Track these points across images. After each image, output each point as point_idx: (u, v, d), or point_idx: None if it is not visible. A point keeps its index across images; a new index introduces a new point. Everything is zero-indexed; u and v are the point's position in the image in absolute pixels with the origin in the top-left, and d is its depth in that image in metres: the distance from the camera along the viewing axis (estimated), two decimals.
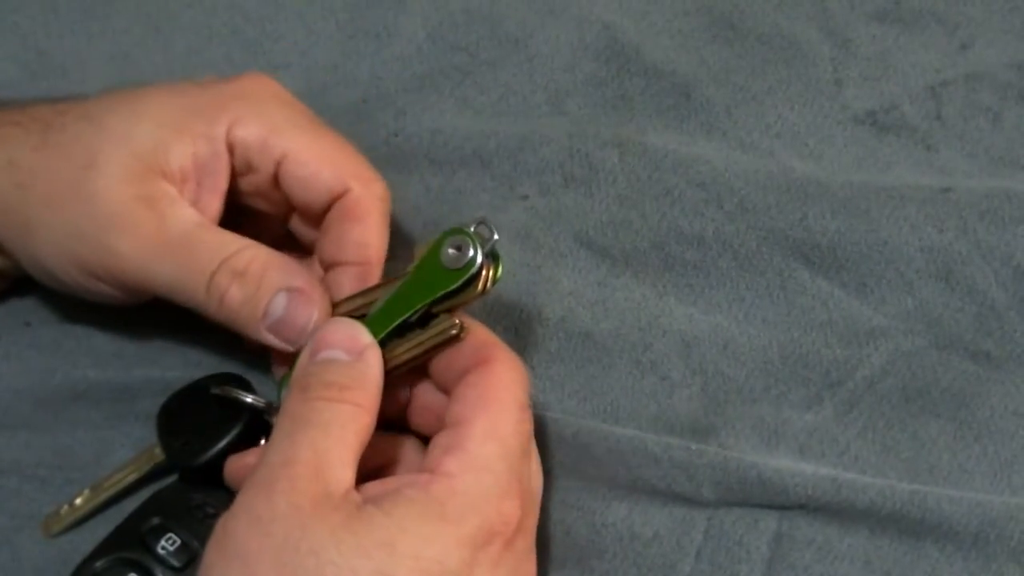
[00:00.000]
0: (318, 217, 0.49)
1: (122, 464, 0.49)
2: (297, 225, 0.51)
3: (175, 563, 0.45)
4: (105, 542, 0.46)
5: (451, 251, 0.44)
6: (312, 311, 0.46)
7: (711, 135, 0.54)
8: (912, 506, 0.45)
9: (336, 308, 0.46)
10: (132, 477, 0.49)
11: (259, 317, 0.46)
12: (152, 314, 0.50)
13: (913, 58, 0.55)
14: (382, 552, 0.38)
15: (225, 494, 0.46)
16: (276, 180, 0.49)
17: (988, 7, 0.56)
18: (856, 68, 0.55)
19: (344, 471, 0.40)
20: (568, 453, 0.48)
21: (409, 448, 0.46)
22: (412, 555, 0.39)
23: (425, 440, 0.46)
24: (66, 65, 0.59)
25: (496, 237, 0.44)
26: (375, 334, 0.44)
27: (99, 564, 0.45)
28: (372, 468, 0.44)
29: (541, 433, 0.47)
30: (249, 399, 0.47)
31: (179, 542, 0.45)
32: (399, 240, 0.52)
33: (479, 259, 0.43)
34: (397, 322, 0.44)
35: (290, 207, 0.50)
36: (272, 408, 0.47)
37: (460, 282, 0.43)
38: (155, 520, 0.46)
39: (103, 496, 0.49)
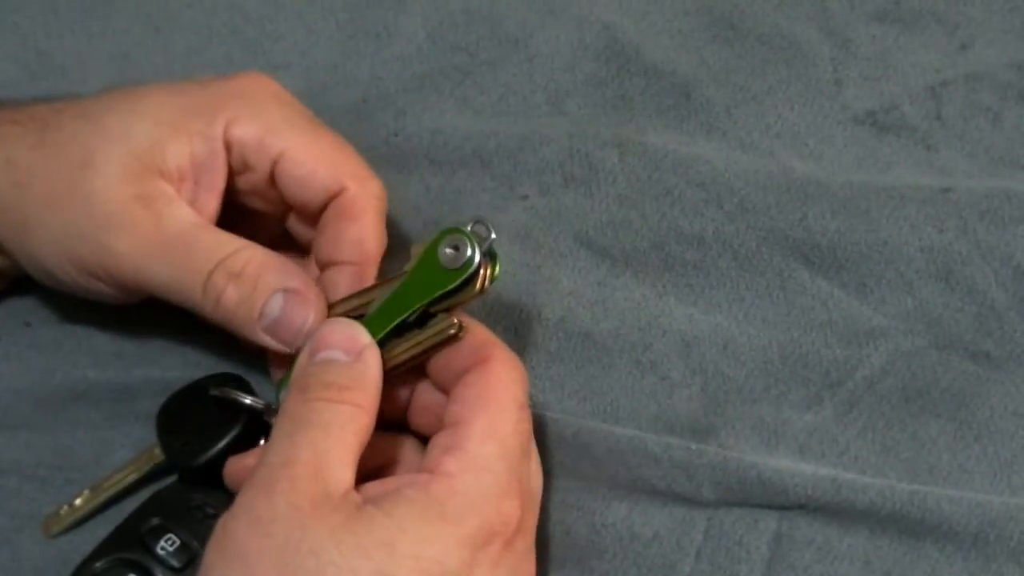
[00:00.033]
0: (315, 216, 0.49)
1: (122, 464, 0.49)
2: (294, 224, 0.51)
3: (175, 563, 0.45)
4: (105, 542, 0.46)
5: (448, 251, 0.44)
6: (308, 312, 0.45)
7: (711, 135, 0.54)
8: (912, 506, 0.45)
9: (333, 308, 0.46)
10: (132, 477, 0.49)
11: (255, 318, 0.46)
12: (152, 314, 0.50)
13: (913, 58, 0.55)
14: (382, 552, 0.38)
15: (225, 494, 0.46)
16: (272, 179, 0.49)
17: (988, 7, 0.56)
18: (856, 68, 0.55)
19: (344, 471, 0.40)
20: (568, 453, 0.48)
21: (408, 448, 0.46)
22: (412, 555, 0.39)
23: (424, 440, 0.46)
24: (66, 65, 0.59)
25: (493, 236, 0.44)
26: (373, 334, 0.44)
27: (99, 564, 0.45)
28: (372, 468, 0.44)
29: (541, 433, 0.47)
30: (248, 400, 0.47)
31: (179, 542, 0.45)
32: (399, 240, 0.52)
33: (477, 258, 0.43)
34: (395, 322, 0.44)
35: (287, 206, 0.50)
36: (271, 409, 0.47)
37: (458, 282, 0.43)
38: (155, 520, 0.46)
39: (103, 496, 0.49)
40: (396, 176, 0.52)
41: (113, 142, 0.47)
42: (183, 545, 0.45)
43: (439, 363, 0.44)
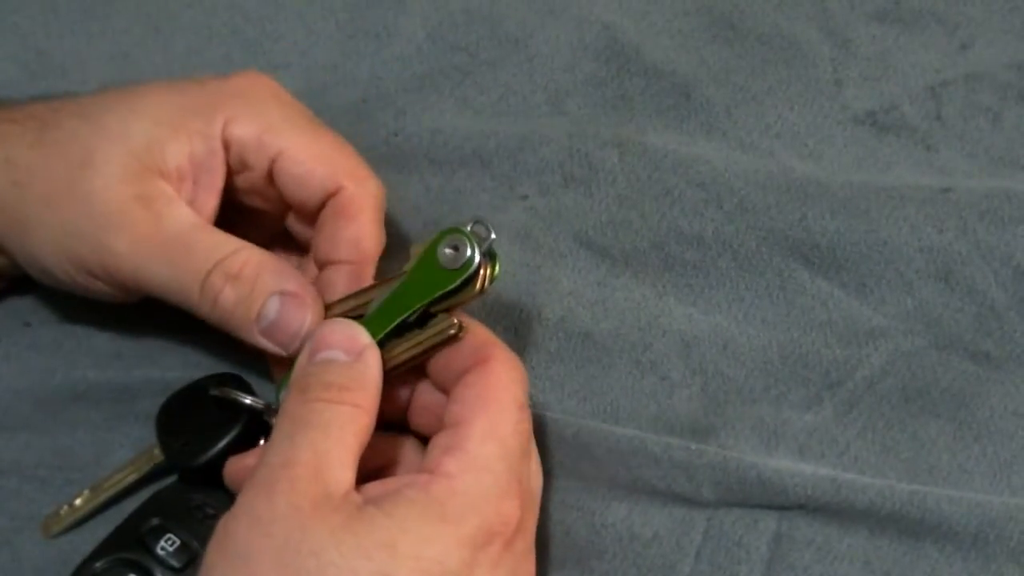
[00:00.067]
0: (313, 215, 0.49)
1: (122, 465, 0.49)
2: (293, 223, 0.51)
3: (175, 564, 0.45)
4: (105, 543, 0.46)
5: (448, 251, 0.44)
6: (305, 315, 0.45)
7: (711, 135, 0.54)
8: (912, 506, 0.45)
9: (332, 308, 0.46)
10: (132, 478, 0.49)
11: (252, 319, 0.46)
12: (152, 314, 0.50)
13: (913, 58, 0.55)
14: (383, 553, 0.39)
15: (224, 495, 0.46)
16: (271, 178, 0.49)
17: (988, 7, 0.56)
18: (856, 68, 0.55)
19: (344, 472, 0.40)
20: (568, 453, 0.48)
21: (409, 448, 0.46)
22: (413, 556, 0.39)
23: (425, 440, 0.46)
24: (66, 65, 0.59)
25: (493, 236, 0.43)
26: (373, 334, 0.44)
27: (99, 565, 0.45)
28: (372, 469, 0.44)
29: (541, 433, 0.47)
30: (248, 400, 0.47)
31: (178, 542, 0.45)
32: (398, 239, 0.52)
33: (477, 259, 0.43)
34: (395, 322, 0.44)
35: (286, 205, 0.50)
36: (271, 409, 0.47)
37: (458, 282, 0.43)
38: (155, 521, 0.46)
39: (103, 497, 0.49)
40: (396, 176, 0.52)
41: (112, 141, 0.47)
42: (183, 545, 0.45)
43: (439, 363, 0.44)
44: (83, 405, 0.51)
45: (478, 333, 0.44)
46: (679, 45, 0.57)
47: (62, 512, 0.49)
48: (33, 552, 0.49)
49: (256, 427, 0.47)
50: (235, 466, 0.46)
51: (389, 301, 0.44)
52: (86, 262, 0.47)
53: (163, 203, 0.47)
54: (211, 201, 0.48)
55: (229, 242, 0.47)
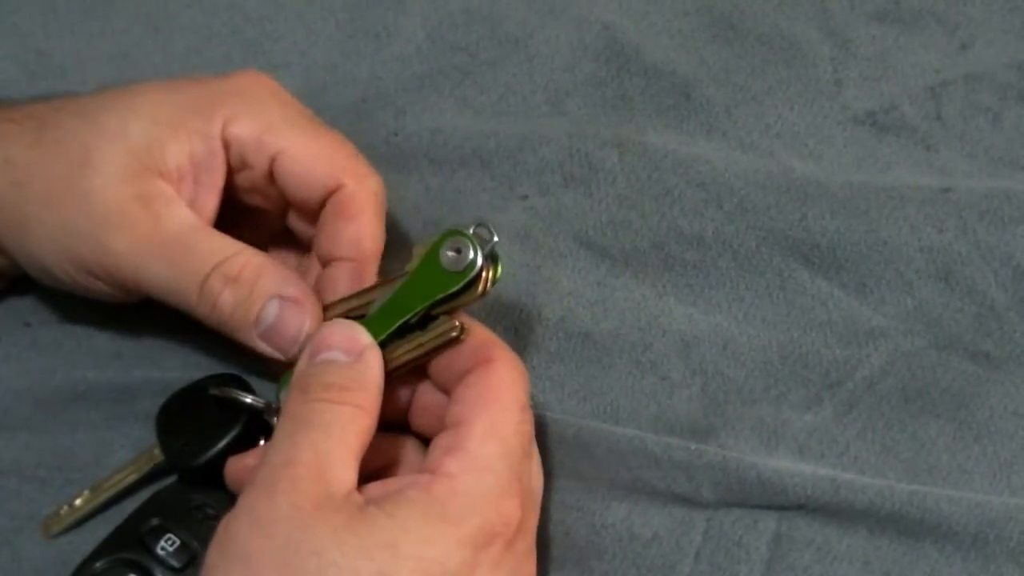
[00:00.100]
0: (314, 213, 0.49)
1: (122, 465, 0.49)
2: (294, 221, 0.51)
3: (175, 564, 0.45)
4: (105, 543, 0.46)
5: (450, 253, 0.44)
6: (304, 319, 0.45)
7: (711, 135, 0.54)
8: (911, 506, 0.45)
9: (334, 308, 0.46)
10: (132, 478, 0.49)
11: (251, 323, 0.46)
12: (152, 314, 0.50)
13: (913, 58, 0.55)
14: (384, 553, 0.39)
15: (225, 495, 0.46)
16: (271, 176, 0.49)
17: (988, 7, 0.56)
18: (856, 68, 0.55)
19: (346, 472, 0.40)
20: (568, 453, 0.48)
21: (410, 449, 0.46)
22: (414, 556, 0.39)
23: (426, 441, 0.46)
24: (65, 65, 0.59)
25: (496, 239, 0.43)
26: (374, 335, 0.44)
27: (99, 565, 0.45)
28: (373, 469, 0.44)
29: (541, 433, 0.47)
30: (248, 399, 0.47)
31: (179, 543, 0.45)
32: (398, 239, 0.52)
33: (479, 261, 0.43)
34: (397, 324, 0.44)
35: (287, 203, 0.50)
36: (271, 408, 0.47)
37: (460, 285, 0.43)
38: (155, 521, 0.46)
39: (103, 497, 0.49)
40: (396, 176, 0.52)
41: (111, 141, 0.47)
42: (183, 545, 0.45)
43: (440, 364, 0.44)
44: (83, 405, 0.51)
45: (479, 334, 0.44)
46: (679, 45, 0.57)
47: (62, 512, 0.49)
48: (33, 552, 0.49)
49: (256, 427, 0.47)
50: (235, 466, 0.46)
51: (390, 302, 0.44)
52: (85, 262, 0.47)
53: (162, 203, 0.47)
54: (211, 201, 0.48)
55: (228, 244, 0.47)
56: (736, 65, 0.56)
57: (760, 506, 0.46)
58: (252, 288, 0.46)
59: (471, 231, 0.44)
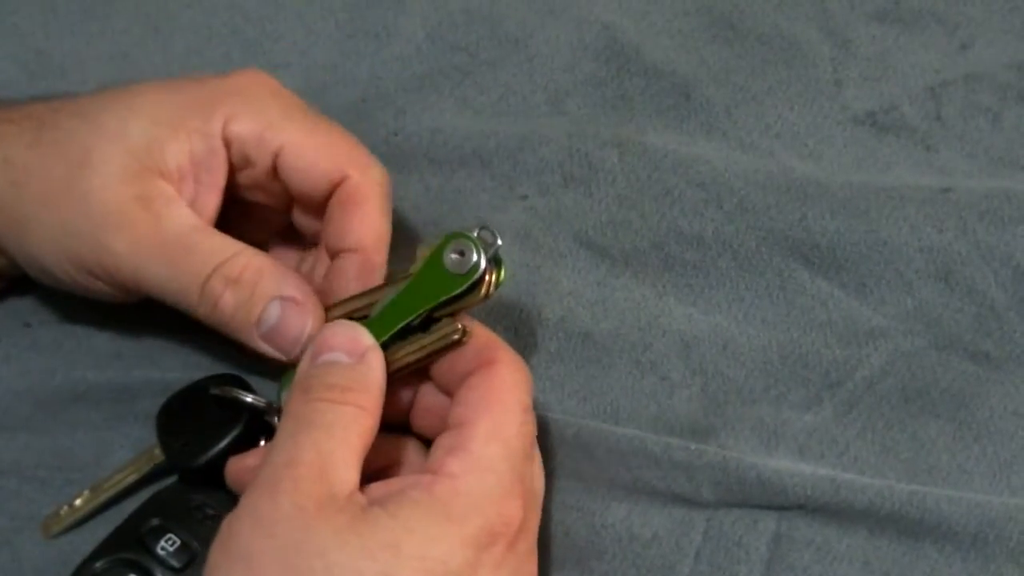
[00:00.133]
0: (319, 207, 0.49)
1: (122, 465, 0.49)
2: (299, 216, 0.51)
3: (175, 564, 0.45)
4: (105, 543, 0.46)
5: (454, 256, 0.43)
6: (306, 320, 0.45)
7: (711, 135, 0.54)
8: (911, 507, 0.45)
9: (336, 308, 0.46)
10: (132, 478, 0.49)
11: (252, 324, 0.46)
12: (152, 314, 0.50)
13: (913, 58, 0.55)
14: (387, 553, 0.39)
15: (225, 495, 0.46)
16: (274, 173, 0.49)
17: (988, 7, 0.56)
18: (856, 68, 0.55)
19: (348, 472, 0.40)
20: (568, 453, 0.48)
21: (411, 450, 0.46)
22: (417, 556, 0.39)
23: (427, 442, 0.46)
24: (65, 65, 0.59)
25: (500, 243, 0.43)
26: (377, 337, 0.44)
27: (99, 565, 0.45)
28: (375, 469, 0.44)
29: (541, 433, 0.47)
30: (249, 399, 0.47)
31: (179, 543, 0.45)
32: (399, 239, 0.52)
33: (483, 264, 0.43)
34: (399, 326, 0.44)
35: (290, 199, 0.50)
36: (272, 408, 0.47)
37: (463, 287, 0.43)
38: (155, 521, 0.46)
39: (103, 497, 0.49)
40: (396, 176, 0.52)
41: (111, 141, 0.47)
42: (183, 545, 0.45)
43: (443, 365, 0.44)
44: (83, 406, 0.51)
45: (482, 335, 0.44)
46: (679, 45, 0.57)
47: (62, 512, 0.49)
48: (33, 552, 0.49)
49: (256, 427, 0.47)
50: (236, 466, 0.46)
51: (393, 304, 0.44)
52: (85, 262, 0.47)
53: (162, 203, 0.47)
54: (213, 200, 0.48)
55: (229, 245, 0.47)
56: (736, 65, 0.56)
57: (760, 506, 0.46)
58: (253, 290, 0.46)
59: (475, 234, 0.43)
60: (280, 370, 0.47)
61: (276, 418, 0.47)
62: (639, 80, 0.56)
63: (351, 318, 0.45)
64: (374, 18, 0.59)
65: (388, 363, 0.43)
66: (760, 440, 0.48)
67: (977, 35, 0.56)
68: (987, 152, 0.53)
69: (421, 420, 0.46)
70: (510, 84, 0.57)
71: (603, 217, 0.52)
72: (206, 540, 0.42)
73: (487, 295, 0.44)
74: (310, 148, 0.48)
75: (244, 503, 0.40)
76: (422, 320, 0.44)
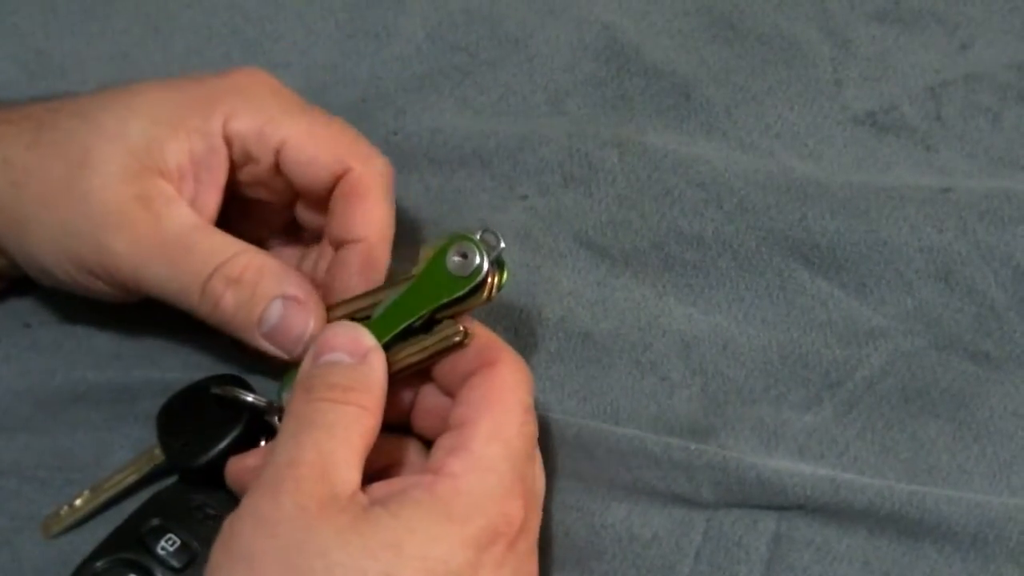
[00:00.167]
0: (322, 201, 0.49)
1: (122, 465, 0.49)
2: (302, 211, 0.51)
3: (175, 564, 0.45)
4: (105, 543, 0.46)
5: (456, 258, 0.43)
6: (308, 319, 0.45)
7: (711, 135, 0.54)
8: (911, 507, 0.45)
9: (338, 309, 0.46)
10: (132, 478, 0.49)
11: (254, 323, 0.46)
12: (152, 315, 0.50)
13: (913, 58, 0.55)
14: (389, 553, 0.39)
15: (225, 495, 0.46)
16: (276, 168, 0.49)
17: (988, 7, 0.56)
18: (856, 68, 0.55)
19: (350, 472, 0.40)
20: (568, 454, 0.48)
21: (412, 450, 0.46)
22: (419, 556, 0.39)
23: (428, 443, 0.46)
24: (65, 65, 0.59)
25: (503, 246, 0.44)
26: (378, 337, 0.44)
27: (99, 565, 0.45)
28: (376, 469, 0.44)
29: (542, 433, 0.47)
30: (250, 398, 0.47)
31: (179, 543, 0.45)
32: (399, 239, 0.52)
33: (485, 267, 0.43)
34: (401, 327, 0.44)
35: (293, 194, 0.50)
36: (273, 408, 0.47)
37: (466, 290, 0.43)
38: (155, 521, 0.46)
39: (103, 497, 0.49)
40: (396, 175, 0.52)
41: (110, 141, 0.47)
42: (183, 545, 0.45)
43: (444, 366, 0.44)
44: (83, 406, 0.51)
45: (484, 336, 0.44)
46: (679, 45, 0.57)
47: (62, 512, 0.49)
48: (33, 552, 0.49)
49: (257, 427, 0.47)
50: (236, 466, 0.46)
51: (395, 305, 0.44)
52: (85, 261, 0.47)
53: (162, 203, 0.47)
54: (213, 198, 0.48)
55: (229, 245, 0.47)
56: (736, 65, 0.56)
57: (760, 506, 0.47)
58: (254, 289, 0.46)
59: (478, 236, 0.43)
60: (281, 369, 0.47)
61: (276, 418, 0.47)
62: (639, 80, 0.56)
63: (353, 319, 0.45)
64: (374, 18, 0.59)
65: (389, 364, 0.43)
66: (760, 440, 0.48)
67: (977, 35, 0.56)
68: (987, 152, 0.53)
69: (422, 421, 0.46)
70: (510, 84, 0.57)
71: (603, 217, 0.52)
72: (206, 540, 0.42)
73: (489, 297, 0.44)
74: (311, 142, 0.48)
75: (246, 503, 0.40)
76: (424, 322, 0.44)
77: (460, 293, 0.44)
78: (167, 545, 0.45)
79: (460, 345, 0.44)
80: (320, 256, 0.50)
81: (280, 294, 0.46)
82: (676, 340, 0.50)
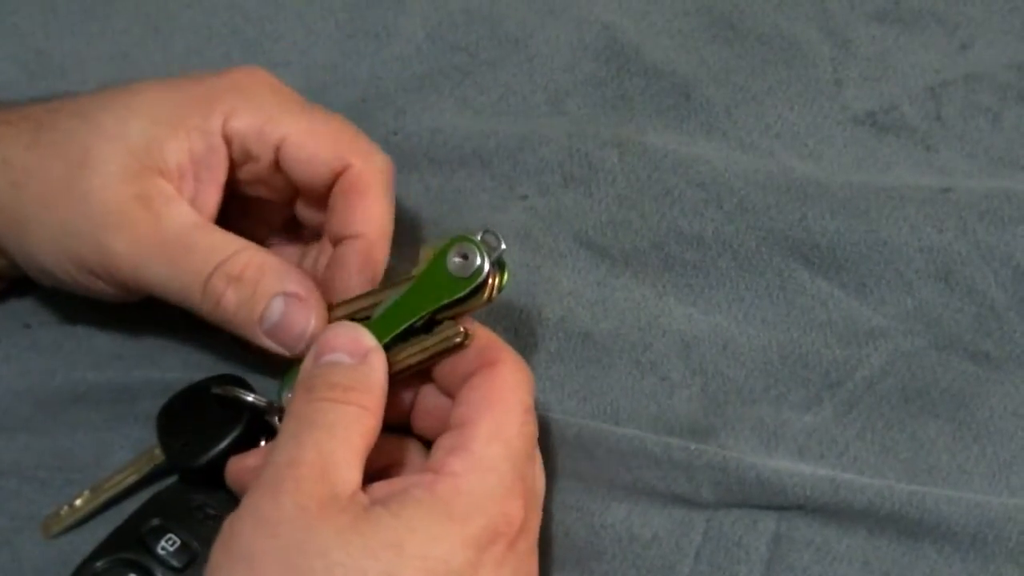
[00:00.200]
0: (322, 198, 0.49)
1: (122, 465, 0.49)
2: (302, 209, 0.51)
3: (175, 564, 0.45)
4: (105, 543, 0.46)
5: (457, 259, 0.43)
6: (309, 316, 0.45)
7: (711, 135, 0.54)
8: (911, 507, 0.45)
9: (339, 309, 0.46)
10: (132, 478, 0.49)
11: (256, 321, 0.46)
12: (152, 315, 0.50)
13: (913, 58, 0.55)
14: (390, 553, 0.39)
15: (225, 495, 0.46)
16: (276, 166, 0.49)
17: (988, 7, 0.56)
18: (856, 68, 0.55)
19: (350, 472, 0.40)
20: (568, 454, 0.48)
21: (413, 450, 0.46)
22: (420, 555, 0.39)
23: (428, 444, 0.46)
24: (65, 65, 0.59)
25: (503, 247, 0.44)
26: (379, 338, 0.44)
27: (99, 565, 0.45)
28: (376, 469, 0.44)
29: (542, 433, 0.47)
30: (250, 398, 0.47)
31: (179, 543, 0.45)
32: (398, 239, 0.52)
33: (486, 269, 0.43)
34: (401, 328, 0.44)
35: (292, 192, 0.50)
36: (273, 408, 0.47)
37: (466, 291, 0.43)
38: (155, 521, 0.46)
39: (103, 497, 0.49)
40: (396, 175, 0.52)
41: (110, 141, 0.47)
42: (183, 545, 0.45)
43: (445, 367, 0.44)
44: (83, 406, 0.51)
45: (484, 336, 0.44)
46: (679, 45, 0.57)
47: (62, 512, 0.49)
48: (33, 552, 0.49)
49: (257, 427, 0.47)
50: (236, 466, 0.46)
51: (396, 306, 0.44)
52: (86, 261, 0.47)
53: (162, 202, 0.47)
54: (213, 197, 0.48)
55: (230, 242, 0.47)
56: (736, 65, 0.56)
57: (760, 506, 0.47)
58: (255, 287, 0.46)
59: (479, 237, 0.43)
60: (281, 368, 0.47)
61: (277, 418, 0.47)
62: (639, 80, 0.56)
63: (353, 319, 0.45)
64: (374, 18, 0.59)
65: (390, 364, 0.43)
66: (760, 440, 0.48)
67: (977, 35, 0.56)
68: (987, 152, 0.53)
69: (422, 422, 0.46)
70: (510, 84, 0.57)
71: (603, 217, 0.52)
72: (207, 540, 0.42)
73: (490, 299, 0.44)
74: (311, 138, 0.48)
75: (246, 503, 0.40)
76: (424, 322, 0.44)
77: (461, 294, 0.44)
78: (167, 545, 0.45)
79: (460, 346, 0.44)
80: (320, 254, 0.50)
81: (281, 291, 0.46)
82: (676, 340, 0.50)
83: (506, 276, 0.44)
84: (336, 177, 0.48)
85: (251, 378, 0.49)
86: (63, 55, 0.59)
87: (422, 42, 0.58)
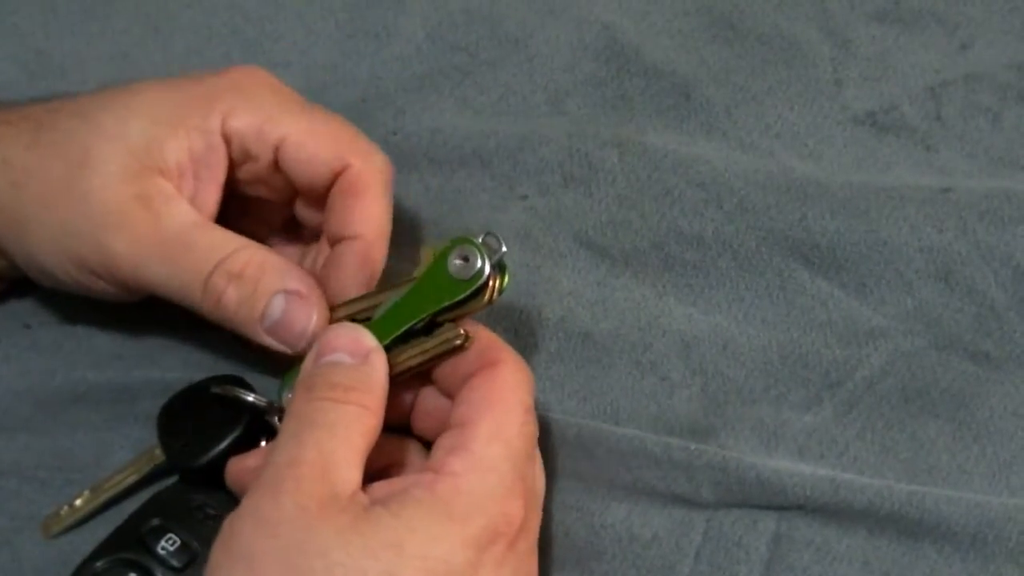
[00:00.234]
0: (321, 198, 0.49)
1: (122, 465, 0.49)
2: (302, 209, 0.51)
3: (175, 563, 0.45)
4: (105, 543, 0.46)
5: (458, 261, 0.43)
6: (311, 313, 0.45)
7: (711, 135, 0.54)
8: (910, 507, 0.45)
9: (340, 309, 0.46)
10: (132, 478, 0.49)
11: (257, 319, 0.46)
12: (152, 314, 0.50)
13: (913, 58, 0.55)
14: (390, 553, 0.39)
15: (225, 495, 0.46)
16: (276, 166, 0.49)
17: (988, 7, 0.56)
18: (856, 68, 0.55)
19: (350, 472, 0.40)
20: (568, 454, 0.48)
21: (412, 450, 0.46)
22: (420, 555, 0.39)
23: (428, 445, 0.46)
24: (65, 65, 0.59)
25: (504, 249, 0.44)
26: (379, 339, 0.44)
27: (99, 565, 0.45)
28: (376, 469, 0.44)
29: (542, 433, 0.47)
30: (250, 398, 0.47)
31: (179, 542, 0.45)
32: (399, 239, 0.52)
33: (487, 271, 0.43)
34: (402, 329, 0.44)
35: (292, 192, 0.50)
36: (273, 407, 0.47)
37: (467, 293, 0.43)
38: (155, 521, 0.46)
39: (103, 497, 0.49)
40: (395, 175, 0.52)
41: (110, 140, 0.47)
42: (183, 545, 0.45)
43: (445, 368, 0.44)
44: (83, 406, 0.51)
45: (484, 337, 0.44)
46: (679, 45, 0.57)
47: (62, 512, 0.49)
48: (33, 552, 0.49)
49: (257, 428, 0.47)
50: (236, 467, 0.46)
51: (396, 307, 0.44)
52: (86, 261, 0.47)
53: (162, 201, 0.47)
54: (213, 196, 0.48)
55: (230, 241, 0.47)
56: (736, 65, 0.56)
57: (760, 506, 0.47)
58: (256, 285, 0.46)
59: (480, 239, 0.43)
60: (282, 368, 0.47)
61: (277, 418, 0.47)
62: (639, 80, 0.56)
63: (354, 320, 0.45)
64: (374, 18, 0.59)
65: (390, 366, 0.43)
66: (760, 440, 0.48)
67: (977, 35, 0.56)
68: (987, 152, 0.53)
69: (422, 423, 0.46)
70: (510, 84, 0.57)
71: (603, 217, 0.52)
72: (207, 540, 0.42)
73: (490, 301, 0.44)
74: (311, 138, 0.48)
75: (246, 503, 0.40)
76: (425, 324, 0.44)
77: (461, 296, 0.44)
78: (167, 545, 0.45)
79: (460, 348, 0.44)
80: (320, 253, 0.50)
81: (282, 289, 0.46)
82: (676, 340, 0.50)
83: (507, 278, 0.44)
84: (335, 177, 0.48)
85: (251, 378, 0.49)
86: (63, 55, 0.59)
87: (422, 42, 0.58)
